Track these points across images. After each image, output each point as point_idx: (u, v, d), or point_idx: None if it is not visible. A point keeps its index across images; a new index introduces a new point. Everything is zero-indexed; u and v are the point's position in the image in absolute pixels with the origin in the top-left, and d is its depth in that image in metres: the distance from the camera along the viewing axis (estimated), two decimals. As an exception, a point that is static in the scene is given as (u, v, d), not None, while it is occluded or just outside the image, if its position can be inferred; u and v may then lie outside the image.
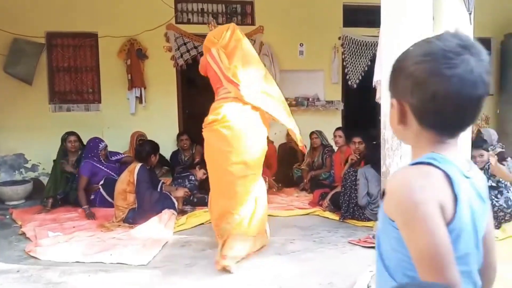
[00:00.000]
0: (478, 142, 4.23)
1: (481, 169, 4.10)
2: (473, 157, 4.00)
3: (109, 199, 4.87)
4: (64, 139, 5.41)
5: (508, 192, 4.10)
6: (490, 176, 4.09)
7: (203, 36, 6.57)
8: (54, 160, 5.44)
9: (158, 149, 4.81)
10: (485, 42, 7.81)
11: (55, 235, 4.03)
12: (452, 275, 0.86)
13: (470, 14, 3.80)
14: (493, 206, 4.04)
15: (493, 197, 4.03)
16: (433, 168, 0.93)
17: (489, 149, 4.49)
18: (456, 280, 0.87)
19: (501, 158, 5.24)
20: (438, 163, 0.93)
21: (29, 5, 6.15)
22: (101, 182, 5.09)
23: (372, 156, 4.25)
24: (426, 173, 0.92)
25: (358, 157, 4.91)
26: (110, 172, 5.25)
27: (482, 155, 4.09)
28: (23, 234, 4.13)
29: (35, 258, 3.49)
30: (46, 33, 6.28)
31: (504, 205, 4.02)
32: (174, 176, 5.70)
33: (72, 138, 5.38)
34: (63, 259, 3.44)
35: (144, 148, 4.72)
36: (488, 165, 4.11)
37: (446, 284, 0.85)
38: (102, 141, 5.33)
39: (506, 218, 4.01)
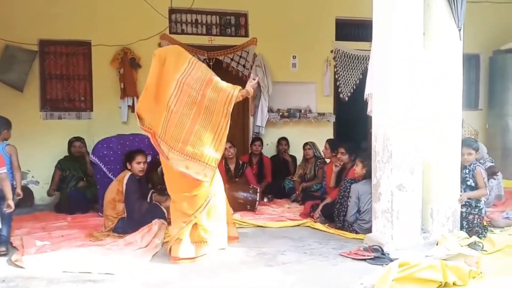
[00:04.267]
0: (468, 141, 4.30)
1: (465, 167, 4.17)
2: (462, 155, 4.05)
3: None
4: (70, 143, 5.74)
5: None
6: (472, 176, 4.16)
7: (197, 47, 6.68)
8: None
9: (134, 157, 4.44)
10: (474, 58, 7.99)
11: (43, 244, 3.97)
12: None
13: (459, 30, 3.88)
14: (468, 206, 4.13)
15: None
16: None
17: (480, 162, 4.55)
18: None
19: (492, 172, 5.32)
20: None
21: (22, 12, 6.14)
22: None
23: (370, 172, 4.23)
24: None
25: (339, 165, 5.07)
26: None
27: (470, 153, 4.17)
28: (10, 243, 4.06)
29: (22, 267, 3.43)
30: (39, 40, 6.27)
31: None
32: (161, 187, 5.66)
33: (77, 144, 5.73)
34: (50, 269, 3.37)
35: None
36: (474, 166, 4.17)
37: None
38: None
39: (475, 221, 4.10)
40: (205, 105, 3.62)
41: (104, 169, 4.99)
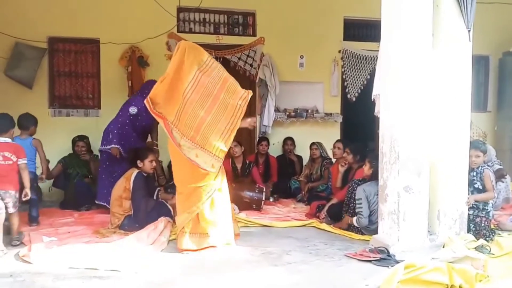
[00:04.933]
0: (476, 143, 4.26)
1: (473, 169, 4.13)
2: (470, 157, 4.02)
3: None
4: (73, 142, 5.74)
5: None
6: (480, 179, 4.14)
7: (204, 46, 6.64)
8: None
9: (147, 155, 4.58)
10: (484, 60, 7.92)
11: (50, 240, 4.00)
12: None
13: (469, 31, 3.84)
14: (475, 208, 4.10)
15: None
16: None
17: (488, 164, 4.51)
18: None
19: (500, 175, 5.27)
20: None
21: (32, 10, 6.20)
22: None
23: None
24: None
25: (345, 164, 5.11)
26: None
27: (478, 156, 4.14)
28: (18, 238, 4.10)
29: (29, 263, 3.46)
30: (48, 38, 6.32)
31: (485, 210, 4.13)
32: (166, 185, 5.68)
33: (80, 143, 5.72)
34: (56, 265, 3.40)
35: (129, 153, 4.73)
36: (482, 169, 4.14)
37: None
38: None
39: (483, 224, 4.07)
40: (220, 98, 3.79)
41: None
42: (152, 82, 5.11)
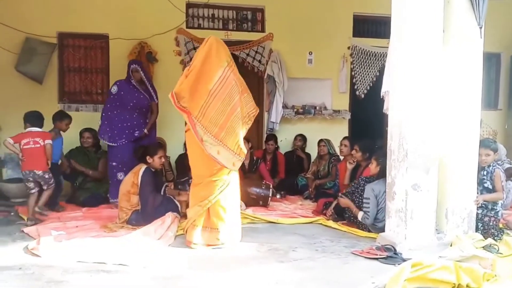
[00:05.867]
0: (487, 142, 4.21)
1: (483, 168, 4.09)
2: (480, 155, 3.98)
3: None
4: (80, 134, 5.76)
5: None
6: (490, 179, 4.10)
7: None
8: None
9: (156, 152, 4.58)
10: (495, 57, 7.81)
11: (58, 234, 4.05)
12: None
13: (480, 28, 3.79)
14: (484, 208, 4.08)
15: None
16: None
17: (498, 163, 4.46)
18: None
19: (510, 174, 5.21)
20: None
21: (42, 6, 6.24)
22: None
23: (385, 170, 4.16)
24: None
25: (353, 162, 5.10)
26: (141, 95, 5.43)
27: (488, 154, 4.09)
28: (27, 233, 4.15)
29: (38, 256, 3.50)
30: (58, 33, 6.36)
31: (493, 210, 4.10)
32: (175, 181, 5.70)
33: (86, 134, 5.75)
34: (65, 258, 3.44)
35: (139, 149, 4.77)
36: (493, 168, 4.10)
37: None
38: (138, 62, 5.60)
39: (491, 223, 4.04)
40: (242, 100, 3.87)
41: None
42: (131, 62, 5.52)
